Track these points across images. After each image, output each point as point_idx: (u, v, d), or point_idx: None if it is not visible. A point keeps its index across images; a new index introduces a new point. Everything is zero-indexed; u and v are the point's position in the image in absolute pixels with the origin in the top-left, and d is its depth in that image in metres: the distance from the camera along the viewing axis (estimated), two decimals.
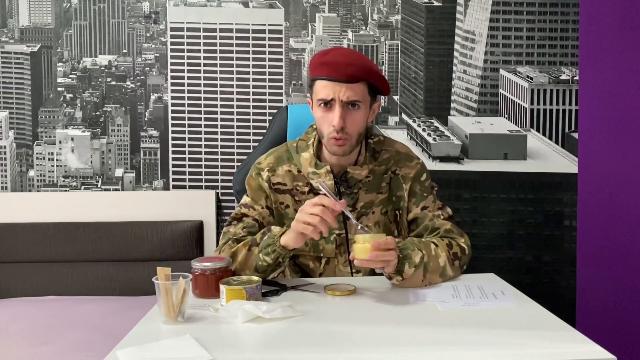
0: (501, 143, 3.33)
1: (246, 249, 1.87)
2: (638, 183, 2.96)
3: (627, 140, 3.02)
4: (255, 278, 1.75)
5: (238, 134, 3.32)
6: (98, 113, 3.34)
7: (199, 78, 3.30)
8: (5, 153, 3.29)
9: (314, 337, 1.52)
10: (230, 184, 2.94)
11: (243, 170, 2.31)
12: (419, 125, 3.34)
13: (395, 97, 3.36)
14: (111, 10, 3.33)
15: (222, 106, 3.31)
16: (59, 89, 3.31)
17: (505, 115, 3.35)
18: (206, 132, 3.31)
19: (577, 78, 3.29)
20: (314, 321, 1.61)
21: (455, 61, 3.35)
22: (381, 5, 3.38)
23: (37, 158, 3.30)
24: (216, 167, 3.32)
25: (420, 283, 1.83)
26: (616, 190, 3.07)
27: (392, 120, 3.39)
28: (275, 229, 1.86)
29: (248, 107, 3.32)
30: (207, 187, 3.31)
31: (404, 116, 3.38)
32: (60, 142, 3.31)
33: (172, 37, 3.30)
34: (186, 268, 1.78)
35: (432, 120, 3.35)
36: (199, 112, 3.31)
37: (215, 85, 3.30)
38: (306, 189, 1.99)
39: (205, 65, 3.29)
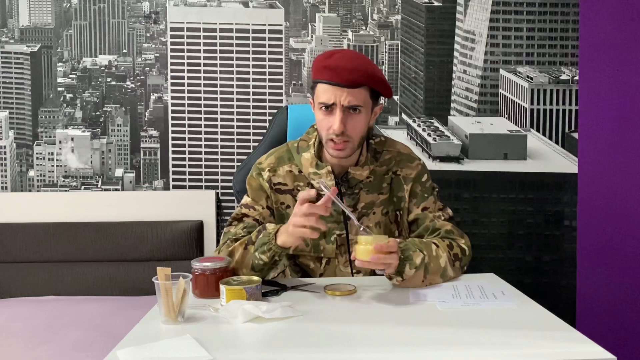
0: (501, 143, 3.33)
1: (242, 247, 1.87)
2: (638, 183, 2.96)
3: (627, 140, 3.02)
4: (255, 278, 1.75)
5: (238, 134, 3.32)
6: (98, 113, 3.34)
7: (199, 78, 3.30)
8: (5, 153, 3.29)
9: (314, 337, 1.52)
10: (230, 184, 2.94)
11: (243, 170, 2.31)
12: (419, 125, 3.34)
13: (395, 97, 3.36)
14: (111, 10, 3.33)
15: (222, 106, 3.31)
16: (59, 89, 3.31)
17: (505, 115, 3.35)
18: (206, 132, 3.31)
19: (577, 78, 3.29)
20: (314, 321, 1.61)
21: (455, 61, 3.35)
22: (381, 5, 3.38)
23: (37, 158, 3.30)
24: (216, 167, 3.32)
25: (421, 283, 1.83)
26: (616, 190, 3.07)
27: (392, 120, 3.39)
28: (270, 227, 1.86)
29: (248, 107, 3.32)
30: (207, 187, 3.31)
31: (404, 116, 3.38)
32: (60, 142, 3.31)
33: (172, 37, 3.30)
34: (186, 268, 1.78)
35: (432, 120, 3.35)
36: (199, 112, 3.31)
37: (215, 85, 3.30)
38: (307, 189, 1.99)
39: (205, 65, 3.29)
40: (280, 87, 3.32)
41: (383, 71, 3.32)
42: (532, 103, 3.33)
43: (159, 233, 3.12)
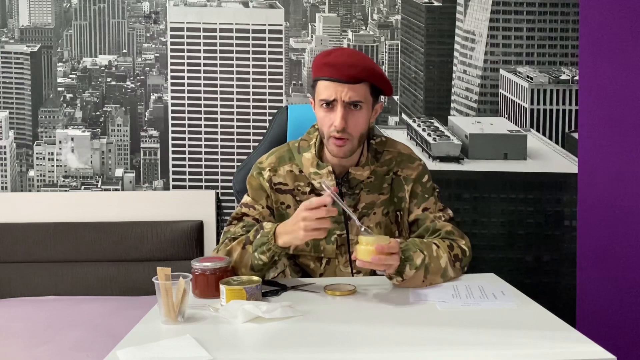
0: (501, 143, 3.33)
1: (240, 247, 1.87)
2: (638, 183, 2.96)
3: (627, 140, 3.02)
4: (255, 278, 1.75)
5: (238, 134, 3.32)
6: (98, 113, 3.34)
7: (199, 78, 3.30)
8: (5, 153, 3.29)
9: (314, 337, 1.52)
10: (230, 184, 2.94)
11: (243, 170, 2.31)
12: (419, 125, 3.34)
13: (395, 97, 3.36)
14: (111, 10, 3.33)
15: (222, 106, 3.31)
16: (59, 89, 3.31)
17: (505, 115, 3.35)
18: (206, 132, 3.31)
19: (577, 78, 3.29)
20: (314, 321, 1.61)
21: (455, 61, 3.35)
22: (381, 5, 3.38)
23: (37, 158, 3.30)
24: (216, 167, 3.32)
25: (421, 284, 1.83)
26: (616, 190, 3.07)
27: (392, 120, 3.39)
28: (267, 226, 1.86)
29: (248, 107, 3.32)
30: (207, 187, 3.31)
31: (404, 116, 3.38)
32: (60, 142, 3.31)
33: (172, 37, 3.30)
34: (186, 268, 1.78)
35: (432, 120, 3.35)
36: (199, 112, 3.31)
37: (215, 85, 3.30)
38: (307, 189, 1.99)
39: (205, 65, 3.29)
40: (280, 87, 3.32)
41: (383, 71, 3.32)
42: (532, 103, 3.33)
43: (159, 233, 3.12)
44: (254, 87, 3.31)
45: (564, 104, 3.34)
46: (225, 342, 1.51)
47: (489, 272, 1.99)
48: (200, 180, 3.32)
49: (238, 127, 3.32)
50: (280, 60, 3.32)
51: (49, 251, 3.11)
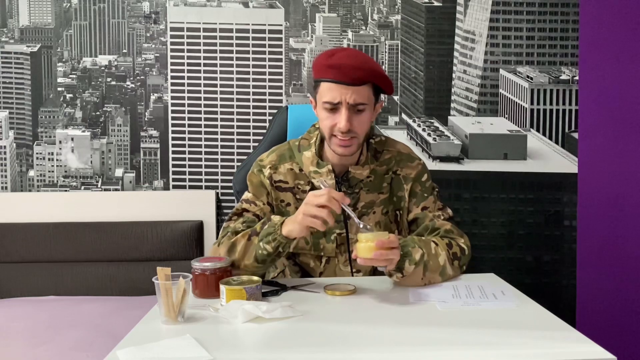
0: (501, 143, 3.33)
1: (245, 239, 1.87)
2: (638, 183, 2.97)
3: (627, 140, 3.03)
4: (255, 278, 1.75)
5: (238, 134, 3.32)
6: (98, 113, 3.34)
7: (199, 78, 3.30)
8: (5, 153, 3.29)
9: (314, 337, 1.52)
10: (230, 184, 2.94)
11: (243, 170, 2.31)
12: (419, 125, 3.34)
13: (395, 97, 3.36)
14: (111, 10, 3.33)
15: (222, 106, 3.31)
16: (59, 89, 3.31)
17: (505, 115, 3.35)
18: (206, 132, 3.31)
19: (577, 78, 3.29)
20: (314, 321, 1.61)
21: (455, 61, 3.35)
22: (381, 5, 3.38)
23: (37, 158, 3.30)
24: (216, 167, 3.32)
25: (420, 281, 1.83)
26: (616, 190, 3.07)
27: (392, 120, 3.39)
28: (275, 218, 1.86)
29: (248, 107, 3.32)
30: (207, 187, 3.31)
31: (404, 116, 3.38)
32: (60, 142, 3.31)
33: (172, 37, 3.30)
34: (186, 268, 1.78)
35: (432, 120, 3.35)
36: (199, 112, 3.31)
37: (215, 85, 3.30)
38: (307, 187, 1.99)
39: (205, 65, 3.29)
40: (280, 87, 3.32)
41: (384, 70, 3.32)
42: (532, 103, 3.33)
43: (159, 233, 3.12)
44: (254, 87, 3.31)
45: (564, 104, 3.34)
46: (225, 342, 1.51)
47: (489, 272, 1.99)
48: (200, 180, 3.32)
49: (238, 127, 3.32)
50: (280, 60, 3.32)
51: (49, 251, 3.11)
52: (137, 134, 3.34)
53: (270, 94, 3.32)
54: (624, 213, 3.06)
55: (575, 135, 3.29)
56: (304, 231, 1.80)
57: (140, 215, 3.17)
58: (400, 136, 3.32)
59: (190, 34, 3.29)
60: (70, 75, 3.33)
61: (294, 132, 2.33)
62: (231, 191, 3.03)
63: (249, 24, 3.30)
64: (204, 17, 3.29)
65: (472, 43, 3.33)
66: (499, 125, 3.35)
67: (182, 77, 3.30)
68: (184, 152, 3.32)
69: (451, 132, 3.33)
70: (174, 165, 3.32)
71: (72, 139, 3.31)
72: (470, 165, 3.33)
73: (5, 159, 3.29)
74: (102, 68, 3.34)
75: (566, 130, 3.33)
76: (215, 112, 3.31)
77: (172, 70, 3.29)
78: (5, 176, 3.29)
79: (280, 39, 3.32)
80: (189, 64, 3.29)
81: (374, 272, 1.99)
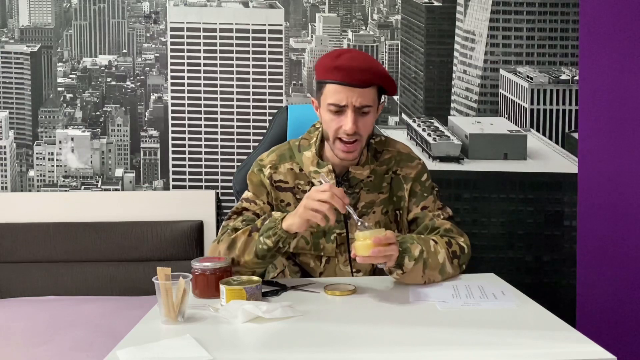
0: (501, 143, 3.33)
1: (246, 235, 1.87)
2: (638, 183, 2.97)
3: (627, 140, 3.03)
4: (255, 278, 1.75)
5: (238, 134, 3.32)
6: (98, 113, 3.34)
7: (199, 78, 3.30)
8: (5, 153, 3.29)
9: (314, 337, 1.52)
10: (230, 184, 2.94)
11: (243, 170, 2.31)
12: (419, 125, 3.34)
13: (395, 97, 3.36)
14: (111, 10, 3.33)
15: (222, 106, 3.31)
16: (59, 89, 3.31)
17: (505, 115, 3.35)
18: (206, 132, 3.31)
19: (577, 78, 3.29)
20: (314, 321, 1.61)
21: (455, 61, 3.35)
22: (381, 5, 3.38)
23: (37, 158, 3.30)
24: (216, 167, 3.32)
25: (420, 279, 1.83)
26: (616, 190, 3.07)
27: (392, 120, 3.39)
28: (276, 214, 1.87)
29: (248, 107, 3.32)
30: (207, 187, 3.31)
31: (404, 116, 3.38)
32: (60, 142, 3.31)
33: (172, 37, 3.30)
34: (186, 268, 1.78)
35: (432, 120, 3.34)
36: (199, 112, 3.31)
37: (215, 85, 3.30)
38: (307, 187, 1.99)
39: (205, 65, 3.29)
40: (280, 87, 3.32)
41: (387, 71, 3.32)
42: (532, 103, 3.33)
43: (159, 233, 3.12)
44: (254, 87, 3.31)
45: (564, 104, 3.34)
46: (225, 342, 1.51)
47: (489, 272, 1.99)
48: (200, 180, 3.32)
49: (238, 127, 3.32)
50: (280, 60, 3.32)
51: (49, 251, 3.11)
52: (137, 134, 3.34)
53: (270, 94, 3.32)
54: (624, 213, 3.06)
55: (575, 135, 3.29)
56: (304, 225, 1.79)
57: (140, 215, 3.17)
58: (400, 136, 3.32)
59: (190, 34, 3.29)
60: (70, 75, 3.33)
61: (294, 132, 2.33)
62: (231, 191, 3.03)
63: (249, 24, 3.30)
64: (204, 17, 3.29)
65: (472, 43, 3.33)
66: (499, 125, 3.35)
67: (182, 77, 3.30)
68: (184, 152, 3.32)
69: (451, 132, 3.33)
70: (174, 165, 3.32)
71: (72, 139, 3.31)
72: (470, 165, 3.33)
73: (5, 159, 3.29)
74: (102, 68, 3.34)
75: (566, 130, 3.33)
76: (215, 112, 3.31)
77: (172, 70, 3.29)
78: (5, 176, 3.29)
79: (280, 39, 3.32)
80: (189, 64, 3.29)
81: (374, 272, 1.99)
